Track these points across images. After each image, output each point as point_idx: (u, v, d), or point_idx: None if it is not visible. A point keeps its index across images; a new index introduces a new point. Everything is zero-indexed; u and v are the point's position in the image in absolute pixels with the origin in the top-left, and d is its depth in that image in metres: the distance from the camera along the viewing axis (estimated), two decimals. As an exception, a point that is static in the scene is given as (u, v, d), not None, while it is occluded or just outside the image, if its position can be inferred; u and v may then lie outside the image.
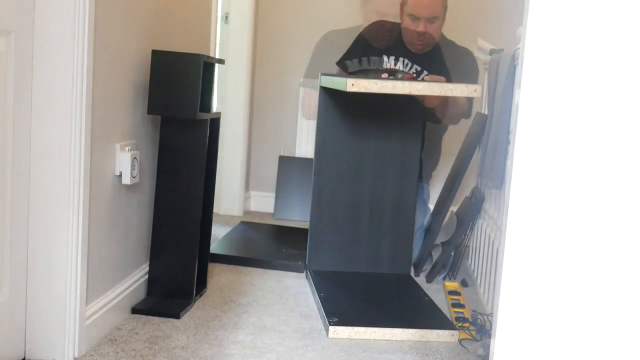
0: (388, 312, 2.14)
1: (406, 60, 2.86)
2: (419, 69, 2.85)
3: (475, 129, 2.69)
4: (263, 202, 3.79)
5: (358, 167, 2.55)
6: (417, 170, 2.59)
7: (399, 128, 2.54)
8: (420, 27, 2.77)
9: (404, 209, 2.57)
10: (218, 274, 2.50)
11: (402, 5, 2.83)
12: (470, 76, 2.89)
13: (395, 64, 2.84)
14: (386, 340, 1.95)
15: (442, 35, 2.89)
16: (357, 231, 2.56)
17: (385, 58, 2.84)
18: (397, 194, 2.56)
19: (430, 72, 2.82)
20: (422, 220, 2.86)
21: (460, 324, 2.04)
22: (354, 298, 2.29)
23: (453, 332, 1.96)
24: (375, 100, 2.48)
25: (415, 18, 2.77)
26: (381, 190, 2.56)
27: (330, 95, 2.51)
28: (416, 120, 2.57)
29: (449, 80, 2.74)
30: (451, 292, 2.32)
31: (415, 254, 2.76)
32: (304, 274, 2.58)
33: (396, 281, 2.49)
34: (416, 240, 2.78)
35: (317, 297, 2.22)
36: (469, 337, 1.98)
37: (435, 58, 2.87)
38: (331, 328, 1.95)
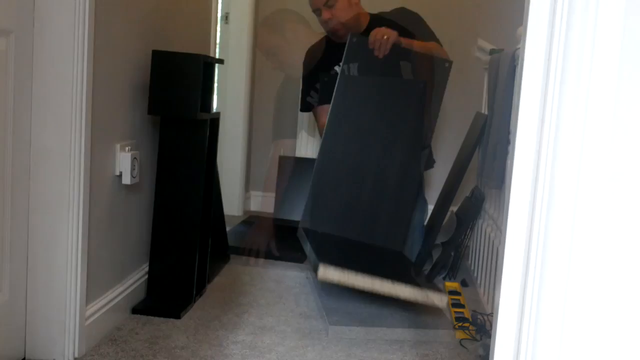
0: (376, 267, 2.14)
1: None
2: None
3: (475, 129, 2.69)
4: (263, 202, 3.79)
5: (367, 137, 2.56)
6: (420, 148, 2.57)
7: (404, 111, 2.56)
8: (324, 16, 2.72)
9: (407, 186, 2.54)
10: (218, 274, 2.50)
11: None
12: (417, 30, 2.79)
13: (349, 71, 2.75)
14: (372, 290, 1.96)
15: (368, 15, 2.80)
16: (357, 198, 2.53)
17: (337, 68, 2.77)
18: (402, 170, 2.54)
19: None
20: (421, 217, 2.85)
21: (460, 324, 2.03)
22: (344, 254, 2.27)
23: (442, 297, 1.97)
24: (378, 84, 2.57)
25: (316, 11, 2.75)
26: (388, 162, 2.55)
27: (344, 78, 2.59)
28: (418, 103, 2.57)
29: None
30: (451, 292, 2.32)
31: (414, 253, 2.76)
32: (304, 274, 2.58)
33: (387, 254, 2.48)
34: (416, 238, 2.78)
35: (309, 246, 2.20)
36: (469, 337, 1.98)
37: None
38: (321, 267, 1.94)
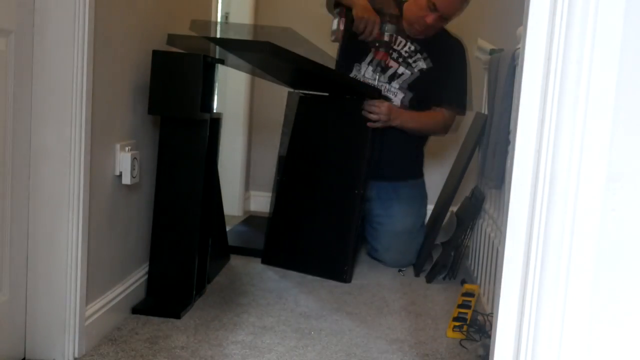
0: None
1: (403, 38, 2.74)
2: (413, 48, 2.75)
3: (475, 129, 2.69)
4: (263, 202, 3.78)
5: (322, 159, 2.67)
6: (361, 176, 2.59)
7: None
8: (430, 19, 2.62)
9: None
10: (218, 274, 2.50)
11: None
12: (456, 69, 2.77)
13: (389, 39, 2.67)
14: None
15: None
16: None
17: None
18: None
19: (422, 56, 2.73)
20: (420, 217, 2.85)
21: (457, 324, 2.04)
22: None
23: None
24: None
25: (433, 9, 2.62)
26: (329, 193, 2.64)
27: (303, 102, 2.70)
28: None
29: (439, 72, 2.70)
30: (465, 294, 2.31)
31: (412, 254, 2.75)
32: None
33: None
34: (416, 238, 2.78)
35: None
36: (464, 337, 1.98)
37: (434, 42, 2.75)
38: None
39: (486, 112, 2.62)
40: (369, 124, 2.54)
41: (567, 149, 1.17)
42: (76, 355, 1.68)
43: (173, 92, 2.00)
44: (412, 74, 2.72)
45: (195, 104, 2.00)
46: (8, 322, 1.59)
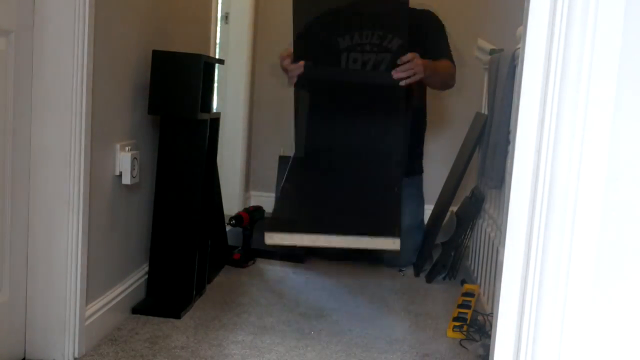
0: (333, 220, 2.11)
1: (365, 31, 2.63)
2: (381, 33, 2.64)
3: (475, 129, 2.68)
4: (263, 202, 3.79)
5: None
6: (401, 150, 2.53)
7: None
8: None
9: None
10: (218, 274, 2.50)
11: None
12: (435, 35, 2.73)
13: (352, 40, 2.61)
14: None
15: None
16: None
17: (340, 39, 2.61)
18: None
19: (393, 35, 2.62)
20: (420, 214, 2.83)
21: (457, 324, 2.04)
22: (306, 205, 2.27)
23: (395, 240, 1.94)
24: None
25: None
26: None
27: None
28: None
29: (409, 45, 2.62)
30: (465, 294, 2.31)
31: (411, 252, 2.73)
32: (304, 274, 2.59)
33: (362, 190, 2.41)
34: (413, 237, 2.76)
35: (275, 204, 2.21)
36: (464, 337, 1.98)
37: (396, 18, 2.63)
38: (266, 235, 1.97)
39: (486, 112, 2.62)
40: (403, 83, 2.47)
41: (567, 149, 1.17)
42: (76, 355, 1.68)
43: (173, 92, 2.00)
44: (392, 54, 2.68)
45: (195, 104, 2.00)
46: (8, 322, 1.59)
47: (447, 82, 2.84)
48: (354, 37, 2.61)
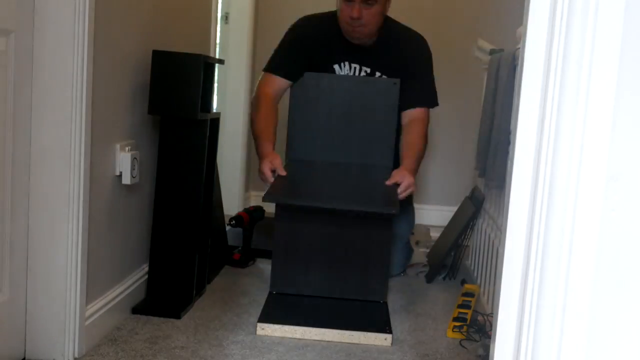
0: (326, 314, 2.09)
1: (353, 65, 2.57)
2: (368, 70, 2.57)
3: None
4: (263, 202, 3.78)
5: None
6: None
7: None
8: (355, 12, 2.36)
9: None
10: (218, 274, 2.50)
11: None
12: (420, 79, 2.58)
13: (340, 70, 2.56)
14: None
15: (390, 21, 2.55)
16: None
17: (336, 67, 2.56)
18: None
19: (381, 71, 2.56)
20: (408, 231, 2.78)
21: (457, 324, 2.04)
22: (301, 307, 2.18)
23: (387, 337, 1.93)
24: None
25: (348, 1, 2.38)
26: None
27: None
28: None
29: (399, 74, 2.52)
30: (465, 294, 2.31)
31: (397, 264, 2.69)
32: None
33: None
34: (399, 249, 2.68)
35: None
36: (464, 337, 1.98)
37: (383, 53, 2.54)
38: (258, 326, 1.94)
39: (482, 114, 2.61)
40: (401, 196, 2.29)
41: (567, 149, 1.17)
42: (76, 355, 1.68)
43: (173, 92, 2.00)
44: None
45: (195, 104, 2.00)
46: (8, 322, 1.59)
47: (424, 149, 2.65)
48: (343, 66, 2.58)
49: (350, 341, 1.93)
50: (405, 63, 2.55)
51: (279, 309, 2.10)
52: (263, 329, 1.94)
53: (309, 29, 2.59)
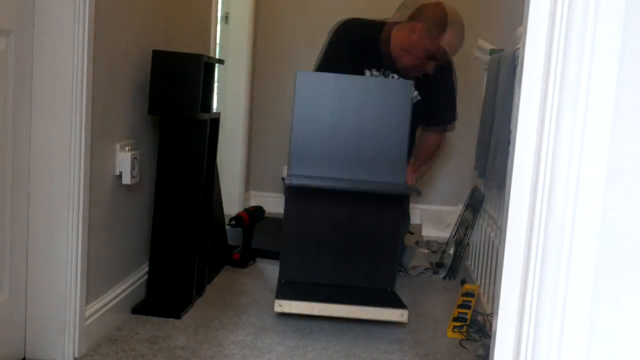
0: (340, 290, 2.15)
1: (381, 69, 2.63)
2: (395, 76, 2.63)
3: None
4: (263, 202, 3.79)
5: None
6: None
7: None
8: (431, 68, 2.53)
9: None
10: (218, 274, 2.50)
11: (423, 32, 2.53)
12: (445, 89, 2.69)
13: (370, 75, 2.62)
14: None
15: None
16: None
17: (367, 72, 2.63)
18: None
19: (418, 91, 2.63)
20: (403, 234, 2.78)
21: (457, 324, 2.04)
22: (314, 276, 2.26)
23: (403, 312, 1.97)
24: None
25: (433, 59, 2.52)
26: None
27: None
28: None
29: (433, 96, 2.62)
30: (465, 294, 2.31)
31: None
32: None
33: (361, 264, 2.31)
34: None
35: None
36: (464, 337, 1.98)
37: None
38: (276, 303, 1.97)
39: (482, 114, 2.61)
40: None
41: (567, 149, 1.17)
42: (76, 355, 1.68)
43: (173, 92, 2.00)
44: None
45: (195, 104, 2.00)
46: (8, 322, 1.59)
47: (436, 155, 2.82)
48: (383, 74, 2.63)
49: (366, 317, 1.94)
50: (434, 85, 2.64)
51: (294, 290, 2.12)
52: (281, 305, 1.95)
53: (352, 34, 2.65)
